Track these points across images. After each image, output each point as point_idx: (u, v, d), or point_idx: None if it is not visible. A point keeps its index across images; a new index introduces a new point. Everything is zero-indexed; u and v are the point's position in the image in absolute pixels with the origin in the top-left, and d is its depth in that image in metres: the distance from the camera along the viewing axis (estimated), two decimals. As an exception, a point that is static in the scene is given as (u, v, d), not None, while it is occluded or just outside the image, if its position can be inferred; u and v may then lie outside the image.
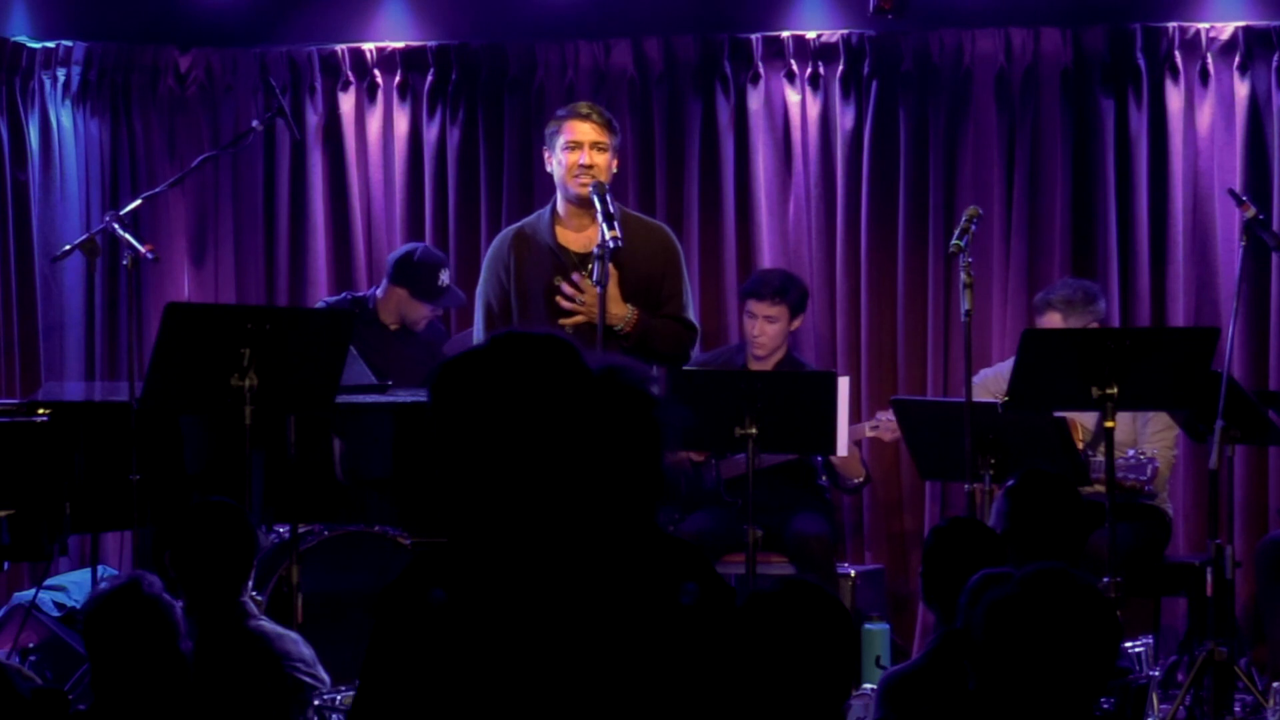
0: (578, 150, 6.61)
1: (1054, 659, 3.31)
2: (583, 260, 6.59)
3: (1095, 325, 7.49)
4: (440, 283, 8.01)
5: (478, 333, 6.76)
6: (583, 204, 6.62)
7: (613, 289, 6.50)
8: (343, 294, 8.44)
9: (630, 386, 2.97)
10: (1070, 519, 5.63)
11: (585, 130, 6.63)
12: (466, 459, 2.82)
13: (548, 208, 6.75)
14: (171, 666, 4.37)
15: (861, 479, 7.99)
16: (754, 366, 7.89)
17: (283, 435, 6.67)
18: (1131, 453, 7.19)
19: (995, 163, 8.38)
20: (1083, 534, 5.74)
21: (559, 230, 6.68)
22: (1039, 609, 3.33)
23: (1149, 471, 7.16)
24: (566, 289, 6.56)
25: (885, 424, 7.79)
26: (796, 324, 7.96)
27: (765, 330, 7.84)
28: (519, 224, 6.85)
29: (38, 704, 4.31)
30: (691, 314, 6.74)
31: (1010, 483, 5.70)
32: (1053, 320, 7.52)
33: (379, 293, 8.13)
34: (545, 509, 2.83)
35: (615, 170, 6.71)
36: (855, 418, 8.08)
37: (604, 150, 6.63)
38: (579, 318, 6.56)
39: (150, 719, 4.36)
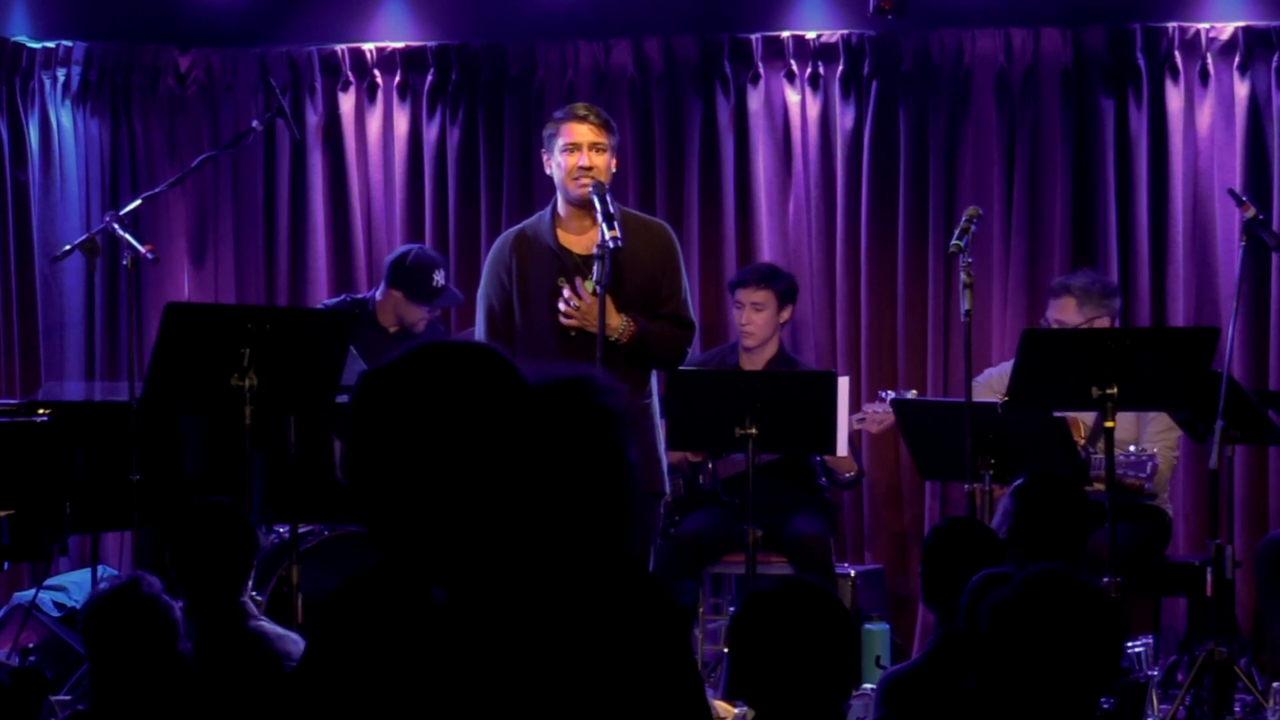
0: (576, 152, 6.59)
1: (1058, 658, 3.31)
2: (585, 262, 6.58)
3: (1107, 320, 7.50)
4: (434, 284, 8.01)
5: (479, 335, 6.75)
6: (584, 206, 6.60)
7: (607, 300, 6.49)
8: (342, 296, 8.44)
9: (588, 401, 2.78)
10: (1076, 521, 5.63)
11: (583, 132, 6.61)
12: (387, 473, 2.66)
13: (548, 209, 6.74)
14: (171, 666, 4.37)
15: (853, 474, 7.98)
16: (745, 358, 7.90)
17: (283, 435, 6.66)
18: (1132, 450, 7.18)
19: (995, 163, 8.38)
20: (1086, 535, 5.74)
21: (560, 233, 6.66)
22: (1045, 608, 3.33)
23: (1149, 469, 7.16)
24: (567, 294, 6.55)
25: (871, 416, 7.79)
26: (786, 315, 7.96)
27: (753, 319, 7.86)
28: (520, 226, 6.84)
29: (17, 687, 4.32)
30: (689, 312, 6.73)
31: (1018, 483, 5.69)
32: (1067, 305, 7.52)
33: (377, 295, 8.14)
34: (471, 526, 2.65)
35: (614, 170, 6.71)
36: (854, 417, 8.08)
37: (603, 151, 6.61)
38: (574, 321, 6.56)
39: (150, 719, 4.35)
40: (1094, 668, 3.35)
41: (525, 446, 2.67)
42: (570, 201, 6.63)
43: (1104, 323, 7.48)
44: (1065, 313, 7.51)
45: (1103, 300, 7.53)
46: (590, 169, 6.56)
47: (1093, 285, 7.60)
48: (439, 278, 8.04)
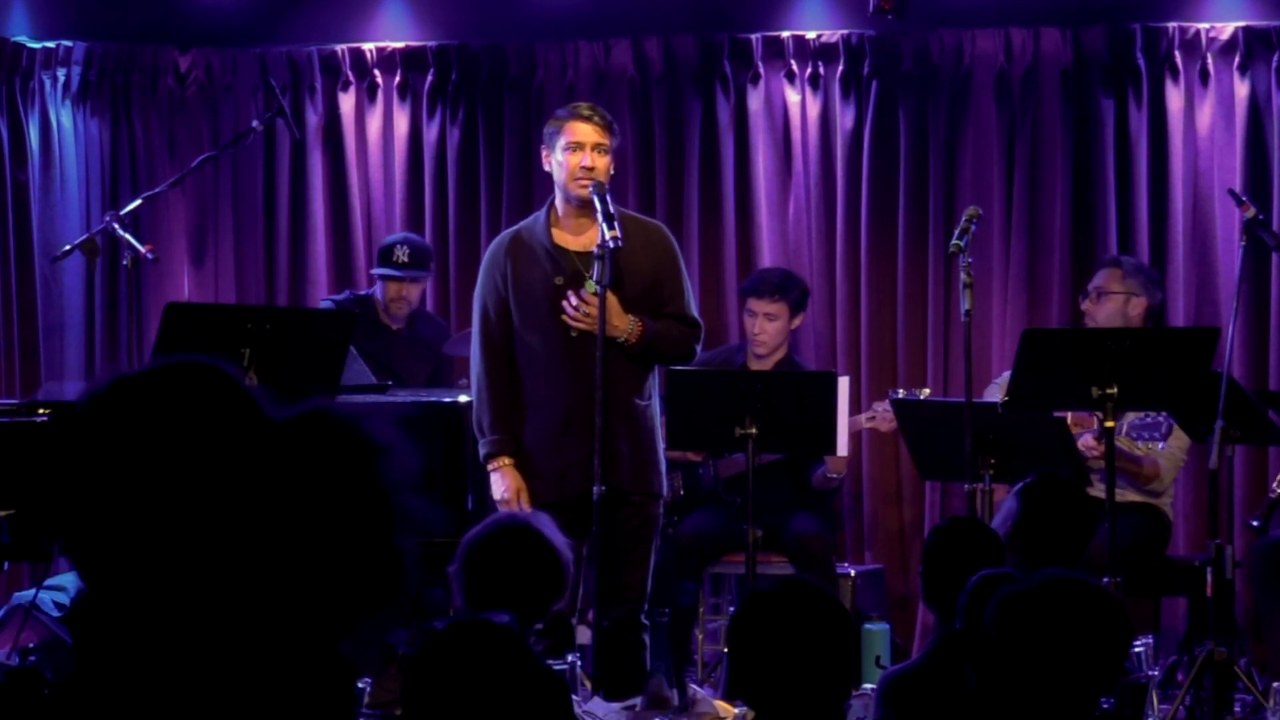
0: (579, 152, 6.58)
1: (1065, 659, 3.31)
2: (582, 260, 6.58)
3: (1144, 302, 7.56)
4: (394, 256, 8.06)
5: (475, 337, 6.75)
6: (583, 205, 6.60)
7: (614, 301, 6.49)
8: (345, 292, 8.45)
9: (334, 432, 2.38)
10: (1080, 525, 5.61)
11: (587, 132, 6.60)
12: (102, 499, 2.29)
13: (544, 209, 6.73)
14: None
15: (839, 475, 7.88)
16: (754, 365, 7.89)
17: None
18: (1147, 415, 7.20)
19: (995, 163, 8.38)
20: (1088, 540, 5.73)
21: (555, 232, 6.66)
22: (1056, 608, 3.32)
23: (1164, 428, 7.18)
24: (572, 298, 6.54)
25: (881, 414, 7.78)
26: (797, 322, 7.96)
27: (766, 328, 7.85)
28: (515, 228, 6.84)
29: (12, 685, 4.31)
30: (694, 310, 6.74)
31: (1025, 483, 5.66)
32: (1113, 275, 7.60)
33: (377, 291, 8.20)
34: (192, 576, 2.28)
35: (612, 172, 6.70)
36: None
37: (605, 153, 6.61)
38: (581, 324, 6.56)
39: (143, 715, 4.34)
40: (1099, 671, 3.35)
41: (261, 482, 2.30)
42: (569, 200, 6.63)
43: (1140, 303, 7.55)
44: (1109, 281, 7.61)
45: (1147, 285, 7.63)
46: (592, 169, 6.56)
47: (1142, 267, 7.79)
48: (400, 252, 8.06)
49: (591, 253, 6.51)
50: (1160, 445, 7.29)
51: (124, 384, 2.35)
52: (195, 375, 2.37)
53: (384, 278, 8.11)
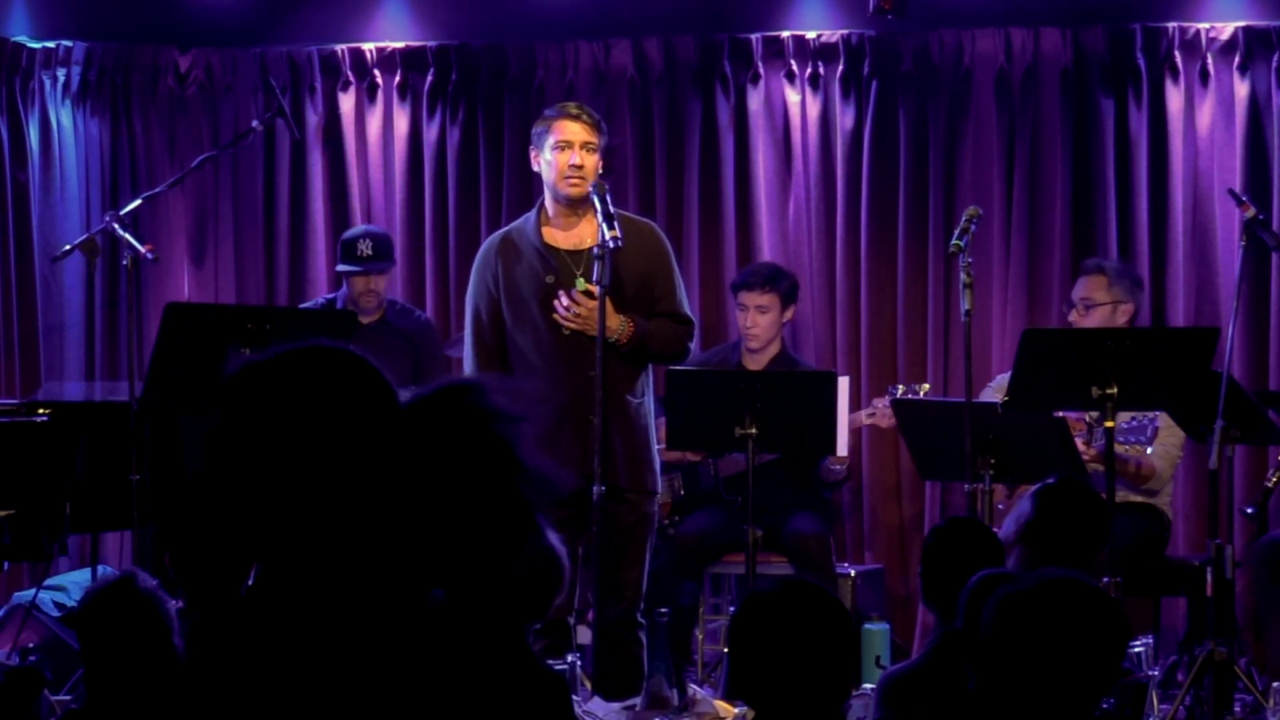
0: (568, 150, 6.59)
1: (1063, 660, 3.30)
2: (573, 259, 6.58)
3: (1131, 308, 7.52)
4: (358, 250, 8.04)
5: (467, 338, 6.75)
6: (573, 204, 6.61)
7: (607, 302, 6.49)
8: (316, 300, 8.48)
9: (460, 405, 2.53)
10: (1092, 533, 5.59)
11: (576, 130, 6.61)
12: (247, 475, 2.40)
13: (534, 209, 6.75)
14: (166, 662, 4.36)
15: (843, 467, 7.90)
16: (748, 359, 7.90)
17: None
18: (1133, 419, 7.19)
19: (995, 163, 8.39)
20: (1098, 550, 5.70)
21: (546, 230, 6.67)
22: (1053, 609, 3.32)
23: (1150, 433, 7.16)
24: (564, 299, 6.54)
25: (882, 411, 7.78)
26: (789, 315, 7.95)
27: (758, 321, 7.85)
28: (505, 229, 6.85)
29: (11, 684, 4.31)
30: (686, 308, 6.74)
31: (1042, 484, 5.62)
32: (1098, 283, 7.54)
33: (343, 291, 8.22)
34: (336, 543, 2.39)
35: (601, 170, 6.70)
36: (854, 416, 8.08)
37: (593, 151, 6.62)
38: (574, 324, 6.56)
39: (144, 716, 4.34)
40: (1097, 671, 3.34)
41: (392, 459, 2.44)
42: (559, 199, 6.64)
43: (1128, 309, 7.52)
44: (1095, 290, 7.54)
45: (1132, 289, 7.59)
46: (581, 168, 6.57)
47: (1126, 270, 7.71)
48: (364, 246, 8.06)
49: (581, 252, 6.53)
50: (1148, 449, 7.27)
51: (256, 369, 2.45)
52: (329, 358, 2.47)
53: (350, 273, 8.11)
